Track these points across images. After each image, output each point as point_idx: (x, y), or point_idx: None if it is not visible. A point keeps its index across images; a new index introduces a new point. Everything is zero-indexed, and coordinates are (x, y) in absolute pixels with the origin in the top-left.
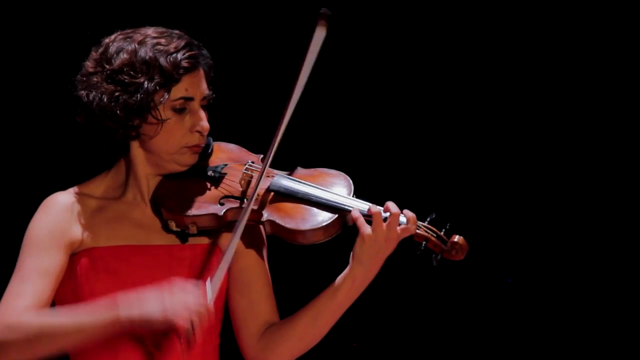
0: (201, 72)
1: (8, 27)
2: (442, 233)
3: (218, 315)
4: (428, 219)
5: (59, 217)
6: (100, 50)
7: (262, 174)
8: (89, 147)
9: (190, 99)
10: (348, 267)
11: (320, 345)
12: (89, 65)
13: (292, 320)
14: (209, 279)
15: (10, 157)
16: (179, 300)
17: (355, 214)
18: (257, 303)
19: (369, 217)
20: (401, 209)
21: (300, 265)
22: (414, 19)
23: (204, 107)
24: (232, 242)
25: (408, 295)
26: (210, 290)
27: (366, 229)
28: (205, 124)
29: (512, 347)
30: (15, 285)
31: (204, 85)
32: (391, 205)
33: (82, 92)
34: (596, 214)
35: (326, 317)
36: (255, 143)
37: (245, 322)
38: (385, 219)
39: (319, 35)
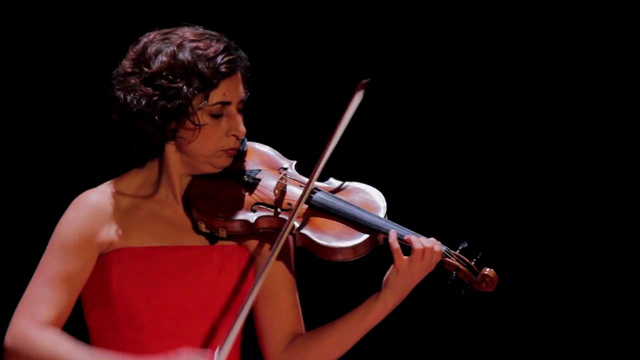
0: (239, 75)
1: (40, 22)
2: (472, 263)
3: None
4: (460, 248)
5: (89, 217)
6: (138, 50)
7: (304, 195)
8: (123, 145)
9: (228, 103)
10: (380, 294)
11: None
12: (127, 64)
13: (320, 335)
14: (217, 348)
15: (39, 154)
16: None
17: (394, 245)
18: (282, 311)
19: (403, 242)
20: (435, 235)
21: (324, 276)
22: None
23: (239, 110)
24: (261, 276)
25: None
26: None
27: (402, 261)
28: (242, 128)
29: (512, 347)
30: (38, 287)
31: (241, 89)
32: (428, 241)
33: (120, 92)
34: (596, 214)
35: (355, 337)
36: (288, 146)
37: (270, 329)
38: (422, 252)
39: (358, 97)
